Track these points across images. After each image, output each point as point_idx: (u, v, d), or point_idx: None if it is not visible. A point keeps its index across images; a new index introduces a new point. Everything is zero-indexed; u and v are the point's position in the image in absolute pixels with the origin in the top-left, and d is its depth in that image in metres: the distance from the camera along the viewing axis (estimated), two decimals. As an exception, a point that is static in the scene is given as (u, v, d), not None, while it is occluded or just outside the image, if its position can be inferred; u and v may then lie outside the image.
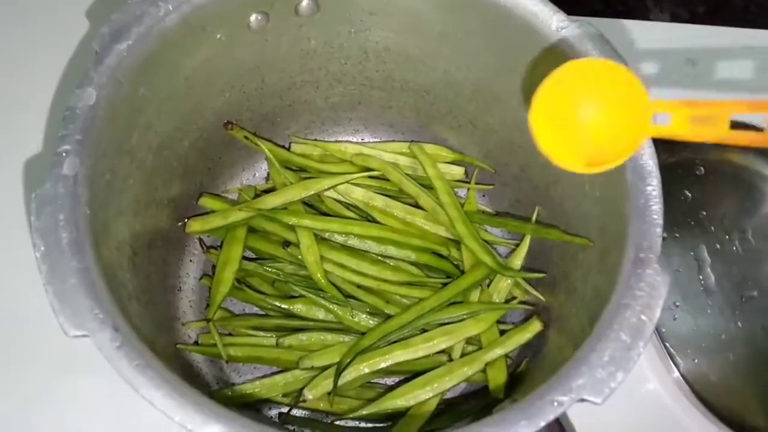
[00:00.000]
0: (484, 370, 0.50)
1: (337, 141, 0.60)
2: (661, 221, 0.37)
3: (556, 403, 0.33)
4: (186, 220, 0.53)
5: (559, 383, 0.34)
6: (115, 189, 0.41)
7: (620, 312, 0.35)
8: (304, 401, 0.49)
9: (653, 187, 0.38)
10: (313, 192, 0.53)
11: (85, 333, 0.33)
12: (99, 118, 0.39)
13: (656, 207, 0.38)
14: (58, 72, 0.57)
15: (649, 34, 0.70)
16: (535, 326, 0.49)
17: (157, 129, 0.46)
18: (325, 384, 0.49)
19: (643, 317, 0.35)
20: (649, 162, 0.39)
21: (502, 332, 0.51)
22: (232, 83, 0.51)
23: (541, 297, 0.51)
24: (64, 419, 0.50)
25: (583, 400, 0.33)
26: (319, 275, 0.51)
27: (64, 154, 0.37)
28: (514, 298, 0.54)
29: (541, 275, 0.51)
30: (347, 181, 0.54)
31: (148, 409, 0.42)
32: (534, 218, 0.52)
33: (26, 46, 0.60)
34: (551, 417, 0.33)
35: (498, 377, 0.49)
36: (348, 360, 0.49)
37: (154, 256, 0.49)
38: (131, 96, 0.42)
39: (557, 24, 0.43)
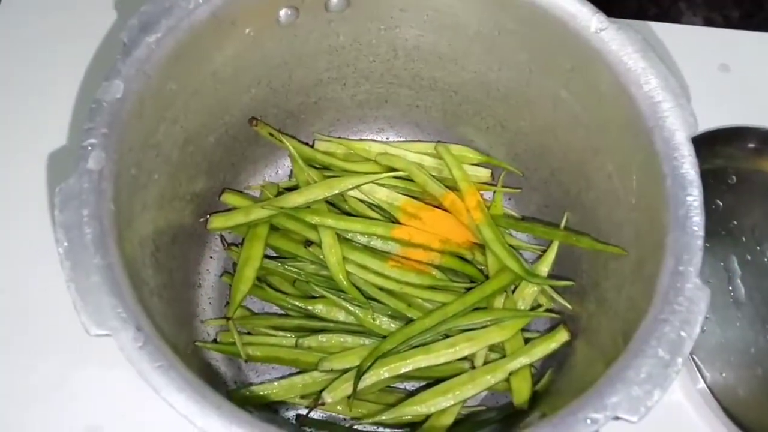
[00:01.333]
0: (507, 380, 0.48)
1: (361, 139, 0.59)
2: (702, 233, 0.36)
3: (589, 421, 0.32)
4: (208, 216, 0.53)
5: (592, 400, 0.32)
6: (140, 184, 0.40)
7: (658, 327, 0.34)
8: (323, 404, 0.48)
9: (694, 197, 0.37)
10: (336, 191, 0.52)
11: (107, 332, 0.32)
12: (126, 112, 0.38)
13: (697, 218, 0.36)
14: (85, 64, 0.57)
15: (682, 38, 0.68)
16: (562, 336, 0.48)
17: (184, 124, 0.45)
18: (345, 387, 0.48)
19: (683, 333, 0.33)
20: (690, 171, 0.38)
21: (527, 341, 0.50)
22: (259, 79, 0.50)
23: (569, 305, 0.50)
24: (77, 411, 0.50)
25: (617, 418, 0.32)
26: (341, 276, 0.50)
27: (89, 148, 0.36)
28: (539, 305, 0.52)
29: (569, 283, 0.50)
30: (371, 181, 0.53)
31: (163, 403, 0.42)
32: (563, 224, 0.51)
33: (53, 37, 0.59)
34: (584, 434, 0.32)
35: (522, 387, 0.48)
36: (368, 364, 0.48)
37: (176, 252, 0.48)
38: (159, 90, 0.41)
39: (597, 25, 0.41)
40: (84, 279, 0.33)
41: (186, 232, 0.50)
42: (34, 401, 0.50)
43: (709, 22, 0.84)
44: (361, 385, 0.48)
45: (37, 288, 0.52)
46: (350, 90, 0.55)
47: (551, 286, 0.51)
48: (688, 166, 0.38)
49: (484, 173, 0.56)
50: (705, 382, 0.52)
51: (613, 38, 0.41)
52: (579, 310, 0.49)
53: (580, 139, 0.46)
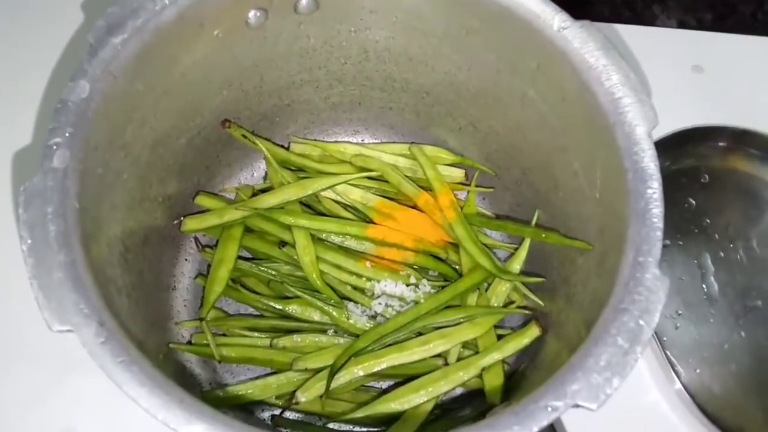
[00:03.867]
0: (480, 375, 0.49)
1: (336, 141, 0.59)
2: (661, 225, 0.36)
3: (550, 408, 0.32)
4: (182, 218, 0.53)
5: (553, 388, 0.33)
6: (107, 184, 0.40)
7: (618, 316, 0.34)
8: (297, 403, 0.48)
9: (654, 189, 0.37)
10: (310, 192, 0.53)
11: (69, 328, 0.32)
12: (92, 112, 0.39)
13: (657, 210, 0.37)
14: (51, 64, 0.57)
15: (656, 41, 0.69)
16: (533, 331, 0.48)
17: (153, 125, 0.45)
18: (319, 386, 0.48)
19: (641, 322, 0.34)
20: (650, 165, 0.38)
21: (500, 337, 0.50)
22: (230, 81, 0.50)
23: (540, 302, 0.50)
24: (66, 419, 0.50)
25: (577, 405, 0.32)
26: (314, 276, 0.51)
27: (54, 147, 0.36)
28: (512, 302, 0.53)
29: (539, 279, 0.51)
30: (345, 182, 0.54)
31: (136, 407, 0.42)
32: (534, 221, 0.51)
33: (20, 37, 0.60)
34: (545, 422, 0.32)
35: (494, 382, 0.48)
36: (342, 362, 0.48)
37: (148, 253, 0.48)
38: (126, 90, 0.41)
39: (559, 24, 0.42)
40: (47, 276, 0.33)
41: (159, 234, 0.50)
42: (8, 405, 0.50)
43: (682, 25, 0.85)
44: (334, 384, 0.48)
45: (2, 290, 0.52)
46: (323, 92, 0.56)
47: (523, 283, 0.51)
48: (648, 160, 0.38)
49: (458, 173, 0.57)
50: (680, 380, 0.53)
51: (576, 36, 0.42)
52: (550, 306, 0.49)
53: (548, 138, 0.47)
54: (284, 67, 0.52)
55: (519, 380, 0.48)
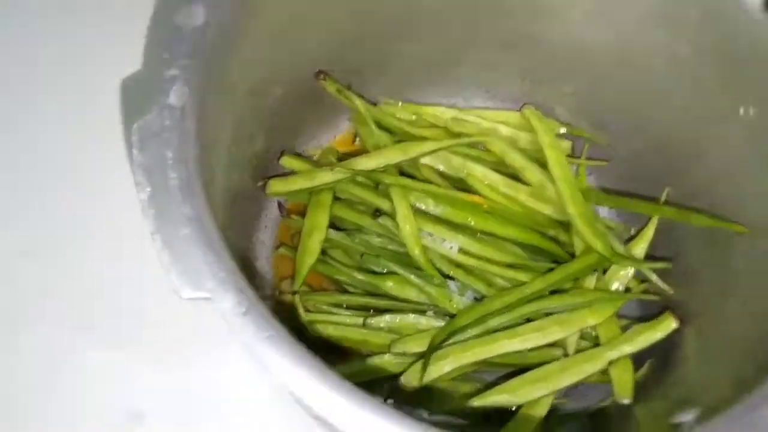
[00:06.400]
0: (605, 370, 0.44)
1: (426, 104, 0.54)
2: None
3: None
4: (266, 180, 0.47)
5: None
6: (216, 129, 0.35)
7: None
8: (402, 388, 0.42)
9: None
10: (413, 155, 0.47)
11: (204, 294, 0.26)
12: (207, 43, 0.33)
13: None
14: None
15: None
16: (669, 323, 0.43)
17: (255, 68, 0.39)
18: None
19: None
20: None
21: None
22: (331, 25, 0.44)
23: (669, 289, 0.45)
24: (132, 401, 0.44)
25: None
26: (417, 251, 0.45)
27: (170, 81, 0.31)
28: (628, 290, 0.48)
29: (666, 265, 0.45)
30: (449, 147, 0.48)
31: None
32: (663, 198, 0.46)
33: None
34: None
35: (625, 377, 0.43)
36: (440, 340, 0.42)
37: (235, 217, 0.42)
38: (237, 23, 0.35)
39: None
40: (172, 231, 0.27)
41: (245, 196, 0.45)
42: (72, 384, 0.44)
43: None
44: (438, 372, 0.43)
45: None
46: (423, 46, 0.49)
47: (650, 269, 0.46)
48: None
49: (566, 144, 0.51)
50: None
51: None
52: (685, 294, 0.44)
53: (699, 102, 0.41)
54: (387, 16, 0.46)
55: (646, 377, 0.43)
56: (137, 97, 0.47)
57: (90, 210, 0.47)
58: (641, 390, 0.43)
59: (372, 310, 0.47)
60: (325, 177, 0.46)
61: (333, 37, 0.45)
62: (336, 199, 0.48)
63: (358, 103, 0.48)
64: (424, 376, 0.42)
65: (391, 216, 0.46)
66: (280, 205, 0.49)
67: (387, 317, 0.46)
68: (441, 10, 0.47)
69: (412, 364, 0.43)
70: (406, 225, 0.45)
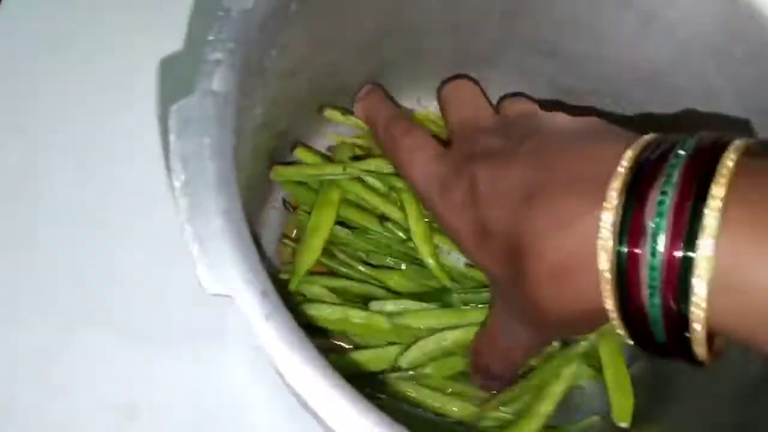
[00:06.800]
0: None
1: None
2: None
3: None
4: (274, 166, 0.46)
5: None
6: (249, 117, 0.34)
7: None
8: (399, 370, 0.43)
9: None
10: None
11: (228, 293, 0.26)
12: (253, 27, 0.32)
13: None
14: None
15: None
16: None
17: (290, 54, 0.38)
18: (424, 352, 0.43)
19: None
20: None
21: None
22: (372, 16, 0.43)
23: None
24: (128, 395, 0.43)
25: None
26: (426, 252, 0.45)
27: (214, 65, 0.30)
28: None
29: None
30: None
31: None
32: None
33: None
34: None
35: (625, 404, 0.43)
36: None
37: (249, 200, 0.41)
38: (282, 8, 0.35)
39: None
40: (204, 222, 0.27)
41: (257, 182, 0.44)
42: (62, 378, 0.43)
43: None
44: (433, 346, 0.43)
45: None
46: (457, 43, 0.48)
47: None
48: None
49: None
50: None
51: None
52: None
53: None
54: (427, 10, 0.45)
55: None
56: (176, 79, 0.46)
57: (105, 198, 0.46)
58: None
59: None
60: (334, 170, 0.46)
61: (369, 28, 0.44)
62: (344, 200, 0.47)
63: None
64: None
65: (399, 223, 0.46)
66: (284, 201, 0.48)
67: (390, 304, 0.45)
68: (479, 12, 0.46)
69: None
70: (419, 226, 0.45)
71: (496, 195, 0.33)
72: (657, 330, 0.27)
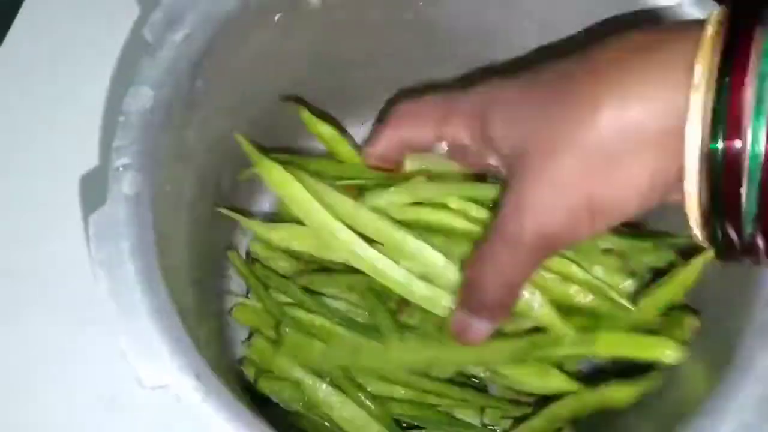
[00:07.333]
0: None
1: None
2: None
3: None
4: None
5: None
6: (173, 202, 0.36)
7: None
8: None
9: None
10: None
11: (166, 384, 0.28)
12: (157, 122, 0.34)
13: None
14: (109, 67, 0.51)
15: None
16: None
17: (212, 123, 0.40)
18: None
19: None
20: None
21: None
22: (285, 67, 0.45)
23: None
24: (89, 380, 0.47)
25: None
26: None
27: (122, 169, 0.32)
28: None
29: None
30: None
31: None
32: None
33: (73, 43, 0.53)
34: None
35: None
36: None
37: (203, 266, 0.44)
38: (188, 91, 0.36)
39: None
40: (133, 323, 0.29)
41: (208, 246, 0.46)
42: (43, 369, 0.47)
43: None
44: None
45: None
46: (382, 72, 0.50)
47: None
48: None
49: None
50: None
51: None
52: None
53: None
54: (342, 49, 0.47)
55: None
56: (94, 190, 0.48)
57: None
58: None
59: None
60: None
61: (285, 80, 0.46)
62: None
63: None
64: None
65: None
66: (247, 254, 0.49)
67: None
68: (395, 43, 0.48)
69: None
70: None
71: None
72: (747, 224, 0.24)
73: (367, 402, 0.42)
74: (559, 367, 0.40)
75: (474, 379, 0.47)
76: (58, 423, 0.46)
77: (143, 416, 0.46)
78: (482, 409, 0.47)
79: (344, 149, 0.46)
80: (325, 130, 0.46)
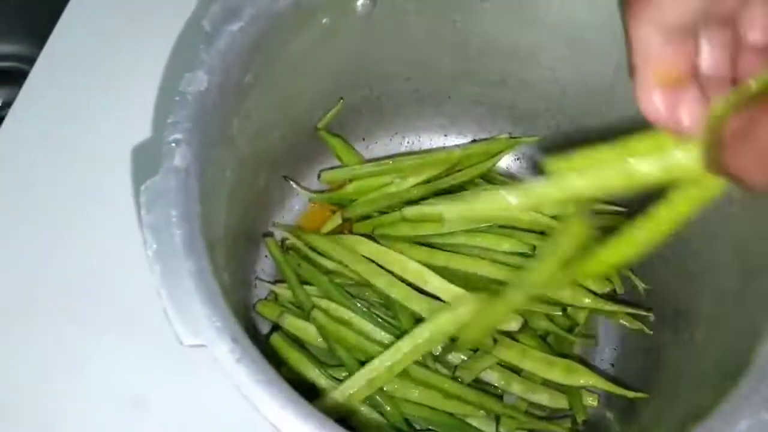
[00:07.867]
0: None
1: (419, 137, 0.57)
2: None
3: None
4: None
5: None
6: (217, 182, 0.38)
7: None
8: None
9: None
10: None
11: (202, 342, 0.30)
12: (209, 105, 0.36)
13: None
14: (165, 51, 0.54)
15: None
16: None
17: (255, 117, 0.43)
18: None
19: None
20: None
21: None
22: (327, 71, 0.47)
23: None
24: (137, 387, 0.48)
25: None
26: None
27: (175, 144, 0.34)
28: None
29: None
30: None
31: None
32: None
33: (132, 26, 0.57)
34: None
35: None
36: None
37: (235, 253, 0.45)
38: (238, 81, 0.39)
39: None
40: (176, 285, 0.31)
41: (243, 235, 0.48)
42: (76, 370, 0.48)
43: None
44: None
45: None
46: (414, 84, 0.53)
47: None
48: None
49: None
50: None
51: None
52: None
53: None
54: (381, 58, 0.49)
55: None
56: (146, 161, 0.51)
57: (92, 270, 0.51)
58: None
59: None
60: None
61: (328, 82, 0.48)
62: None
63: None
64: None
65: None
66: (283, 242, 0.52)
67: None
68: (432, 56, 0.50)
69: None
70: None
71: None
72: None
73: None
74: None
75: (492, 386, 0.48)
76: (77, 423, 0.47)
77: (164, 418, 0.47)
78: (498, 418, 0.47)
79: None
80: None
